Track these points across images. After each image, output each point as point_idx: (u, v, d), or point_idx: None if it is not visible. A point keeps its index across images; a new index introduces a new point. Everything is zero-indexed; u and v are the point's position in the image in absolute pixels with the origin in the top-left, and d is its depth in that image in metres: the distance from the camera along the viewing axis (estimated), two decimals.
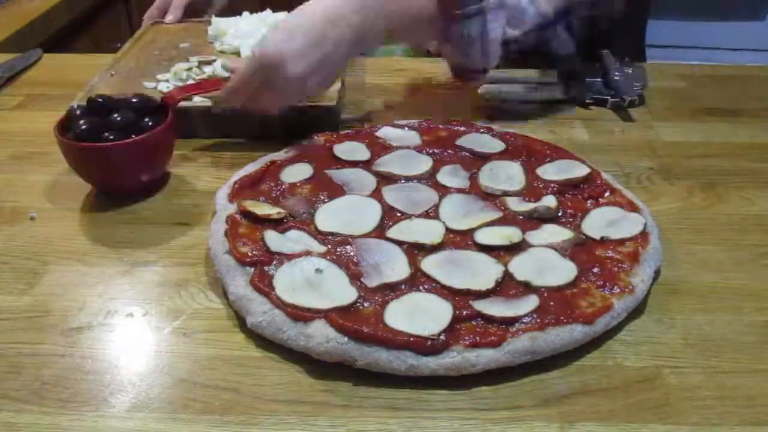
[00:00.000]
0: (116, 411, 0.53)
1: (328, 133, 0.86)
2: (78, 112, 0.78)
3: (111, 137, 0.75)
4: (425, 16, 0.86)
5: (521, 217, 0.71)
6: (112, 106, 0.79)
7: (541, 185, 0.75)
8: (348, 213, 0.70)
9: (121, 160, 0.76)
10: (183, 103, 0.86)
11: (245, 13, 1.15)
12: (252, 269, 0.63)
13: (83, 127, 0.75)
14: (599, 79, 1.04)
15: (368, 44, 0.88)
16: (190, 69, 1.01)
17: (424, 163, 0.80)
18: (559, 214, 0.71)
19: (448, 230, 0.69)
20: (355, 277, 0.62)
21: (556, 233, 0.69)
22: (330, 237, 0.67)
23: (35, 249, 0.71)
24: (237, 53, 1.07)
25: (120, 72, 1.03)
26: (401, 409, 0.54)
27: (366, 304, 0.59)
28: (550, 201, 0.72)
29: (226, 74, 0.98)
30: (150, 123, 0.77)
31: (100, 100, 0.79)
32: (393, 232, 0.67)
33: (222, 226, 0.69)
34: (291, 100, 0.84)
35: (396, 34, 0.89)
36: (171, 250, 0.71)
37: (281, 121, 0.91)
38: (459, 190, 0.75)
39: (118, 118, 0.77)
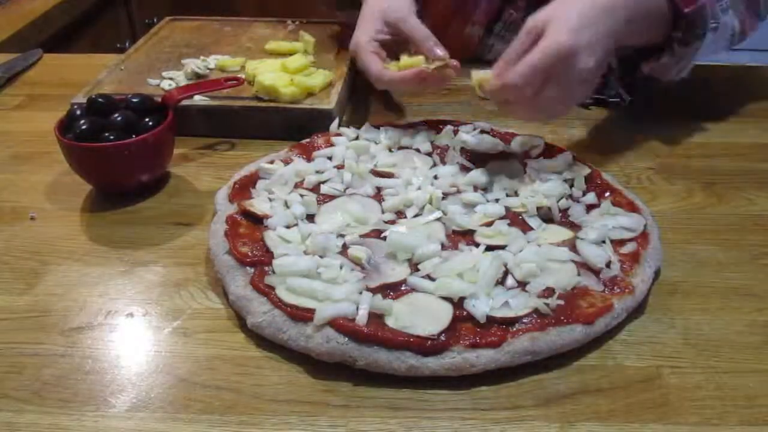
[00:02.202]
0: (116, 411, 0.53)
1: (328, 133, 0.86)
2: (78, 111, 0.78)
3: (111, 137, 0.75)
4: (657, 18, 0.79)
5: (521, 217, 0.70)
6: (113, 105, 0.79)
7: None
8: (348, 213, 0.70)
9: (120, 160, 0.76)
10: (184, 102, 0.86)
11: None
12: (252, 269, 0.63)
13: (83, 127, 0.75)
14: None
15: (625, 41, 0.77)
16: (204, 63, 1.01)
17: (424, 163, 0.80)
18: (559, 214, 0.71)
19: (449, 230, 0.69)
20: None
21: (556, 233, 0.69)
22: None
23: (35, 249, 0.71)
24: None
25: (129, 67, 1.03)
26: (401, 409, 0.54)
27: None
28: (550, 201, 0.72)
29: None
30: (150, 123, 0.77)
31: (100, 99, 0.79)
32: (393, 232, 0.67)
33: (222, 226, 0.69)
34: (576, 99, 0.76)
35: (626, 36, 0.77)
36: (171, 250, 0.71)
37: (281, 122, 0.91)
38: (458, 191, 0.75)
39: (118, 118, 0.77)
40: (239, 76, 0.93)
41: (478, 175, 0.76)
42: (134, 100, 0.81)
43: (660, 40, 0.83)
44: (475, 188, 0.75)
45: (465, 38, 1.11)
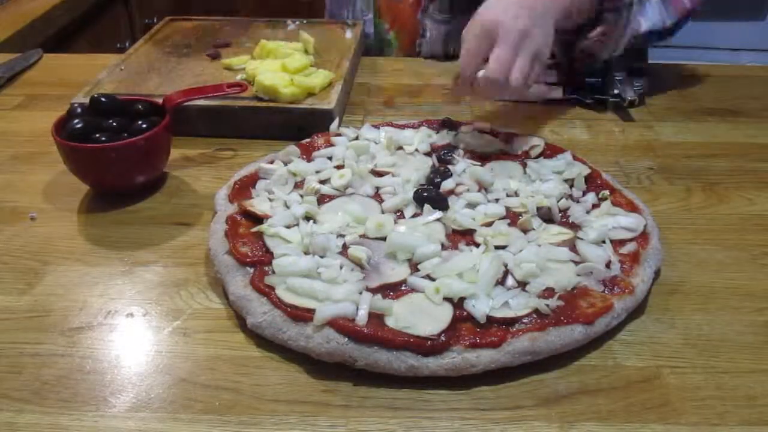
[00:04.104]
0: (116, 411, 0.53)
1: (328, 134, 0.86)
2: (78, 111, 0.78)
3: (102, 138, 0.75)
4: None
5: (521, 217, 0.70)
6: (113, 106, 0.79)
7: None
8: (348, 213, 0.70)
9: (111, 162, 0.75)
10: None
11: None
12: (252, 269, 0.63)
13: (76, 126, 0.75)
14: (599, 79, 1.04)
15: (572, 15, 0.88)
16: None
17: (423, 164, 0.80)
18: (559, 214, 0.71)
19: (449, 230, 0.69)
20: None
21: (556, 233, 0.69)
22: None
23: (35, 249, 0.71)
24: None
25: (129, 67, 1.03)
26: (401, 409, 0.54)
27: None
28: (550, 201, 0.72)
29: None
30: (143, 125, 0.77)
31: (103, 99, 0.79)
32: (393, 233, 0.67)
33: (222, 226, 0.69)
34: (526, 57, 0.79)
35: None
36: (171, 250, 0.71)
37: (281, 122, 0.91)
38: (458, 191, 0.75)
39: (112, 120, 0.77)
40: (242, 81, 0.93)
41: (478, 175, 0.76)
42: (134, 101, 0.81)
43: (593, 15, 0.92)
44: (477, 188, 0.75)
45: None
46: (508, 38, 0.78)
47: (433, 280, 0.61)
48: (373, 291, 0.60)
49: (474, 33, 0.80)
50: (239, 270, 0.63)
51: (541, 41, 0.80)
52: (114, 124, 0.77)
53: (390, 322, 0.57)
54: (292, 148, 0.82)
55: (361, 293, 0.59)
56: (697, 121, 0.98)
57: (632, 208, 0.72)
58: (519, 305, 0.59)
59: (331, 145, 0.83)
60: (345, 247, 0.66)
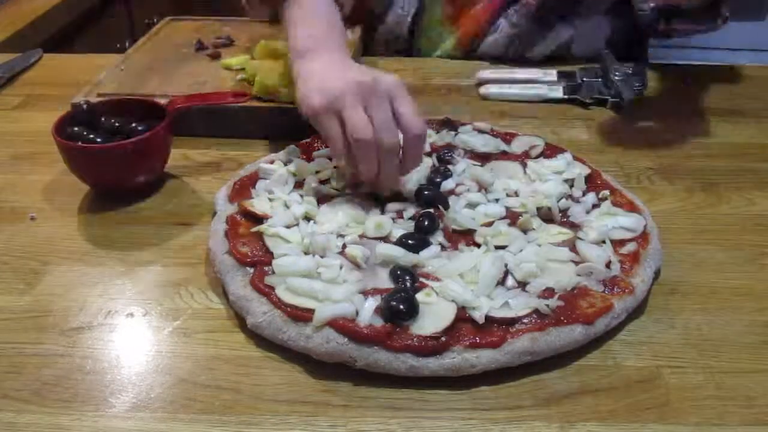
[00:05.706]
0: (116, 411, 0.53)
1: None
2: (78, 111, 0.79)
3: (102, 139, 0.75)
4: None
5: (521, 217, 0.70)
6: (114, 106, 0.79)
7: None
8: (348, 213, 0.70)
9: (112, 163, 0.75)
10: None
11: None
12: (252, 269, 0.63)
13: (77, 127, 0.76)
14: (599, 79, 1.04)
15: None
16: None
17: (423, 164, 0.80)
18: (559, 214, 0.71)
19: (449, 230, 0.69)
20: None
21: (556, 233, 0.69)
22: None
23: (35, 249, 0.71)
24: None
25: (129, 67, 1.03)
26: (401, 409, 0.54)
27: None
28: (550, 201, 0.71)
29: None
30: (144, 126, 0.77)
31: (104, 100, 0.79)
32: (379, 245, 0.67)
33: (222, 226, 0.69)
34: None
35: None
36: (171, 250, 0.71)
37: (281, 122, 0.91)
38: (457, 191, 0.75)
39: (113, 120, 0.77)
40: (246, 91, 0.92)
41: (478, 175, 0.76)
42: (134, 101, 0.81)
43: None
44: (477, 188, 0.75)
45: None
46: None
47: (435, 280, 0.61)
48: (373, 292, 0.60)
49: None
50: (239, 270, 0.63)
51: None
52: (114, 124, 0.77)
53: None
54: (292, 148, 0.82)
55: (361, 293, 0.59)
56: (697, 121, 0.98)
57: (632, 208, 0.72)
58: (519, 305, 0.59)
59: None
60: (345, 247, 0.66)
